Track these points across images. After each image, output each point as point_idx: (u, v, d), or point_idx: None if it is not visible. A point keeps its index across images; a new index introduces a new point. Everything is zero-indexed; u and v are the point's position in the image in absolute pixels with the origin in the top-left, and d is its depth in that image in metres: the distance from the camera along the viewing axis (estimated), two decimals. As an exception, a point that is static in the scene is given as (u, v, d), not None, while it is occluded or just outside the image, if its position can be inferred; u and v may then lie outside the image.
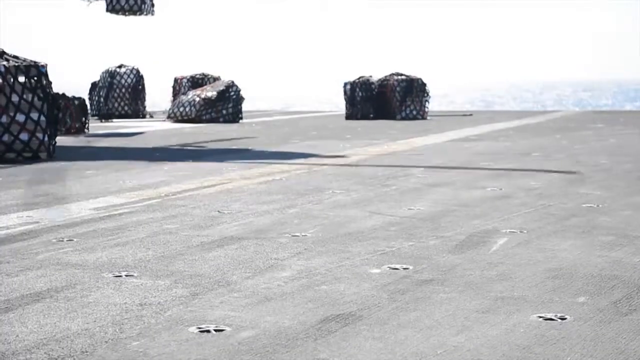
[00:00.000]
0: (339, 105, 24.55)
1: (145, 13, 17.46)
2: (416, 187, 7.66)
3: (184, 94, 22.68)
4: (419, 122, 20.22)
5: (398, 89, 21.70)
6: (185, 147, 13.17)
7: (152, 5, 17.39)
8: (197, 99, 21.05)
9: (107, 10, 17.29)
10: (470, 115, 21.52)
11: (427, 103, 21.99)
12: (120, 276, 4.25)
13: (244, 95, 21.58)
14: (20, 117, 10.72)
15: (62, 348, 3.11)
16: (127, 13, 17.22)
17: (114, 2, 17.13)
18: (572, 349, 3.07)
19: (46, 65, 10.96)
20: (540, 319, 3.44)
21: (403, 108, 21.64)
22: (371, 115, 21.74)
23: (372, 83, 22.11)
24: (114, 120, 22.67)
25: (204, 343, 3.16)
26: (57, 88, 12.57)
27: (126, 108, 24.08)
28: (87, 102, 18.48)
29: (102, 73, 24.51)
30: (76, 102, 16.86)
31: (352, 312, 3.56)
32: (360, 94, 21.98)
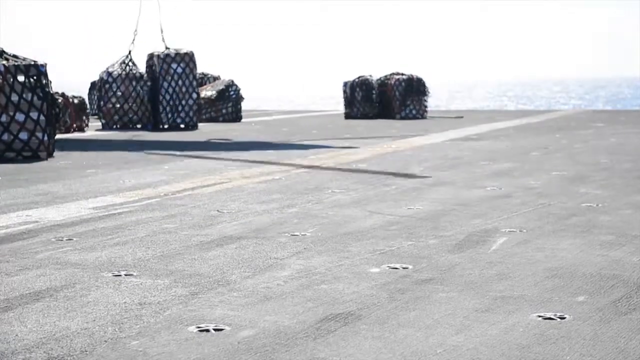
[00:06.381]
0: (339, 105, 24.57)
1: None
2: (416, 187, 7.66)
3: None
4: (419, 122, 20.22)
5: (398, 88, 21.68)
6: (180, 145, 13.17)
7: None
8: (197, 98, 21.03)
9: None
10: (461, 117, 21.47)
11: (426, 102, 21.96)
12: (119, 275, 4.25)
13: (243, 95, 21.57)
14: (20, 117, 10.73)
15: (62, 347, 3.11)
16: None
17: None
18: (572, 348, 3.07)
19: (46, 64, 10.97)
20: (540, 318, 3.44)
21: (403, 108, 21.61)
22: (370, 115, 21.73)
23: (372, 83, 22.09)
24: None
25: (204, 342, 3.16)
26: (56, 87, 12.57)
27: (126, 107, 24.02)
28: (87, 102, 18.45)
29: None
30: (76, 101, 16.86)
31: (352, 311, 3.56)
32: (359, 93, 21.96)
